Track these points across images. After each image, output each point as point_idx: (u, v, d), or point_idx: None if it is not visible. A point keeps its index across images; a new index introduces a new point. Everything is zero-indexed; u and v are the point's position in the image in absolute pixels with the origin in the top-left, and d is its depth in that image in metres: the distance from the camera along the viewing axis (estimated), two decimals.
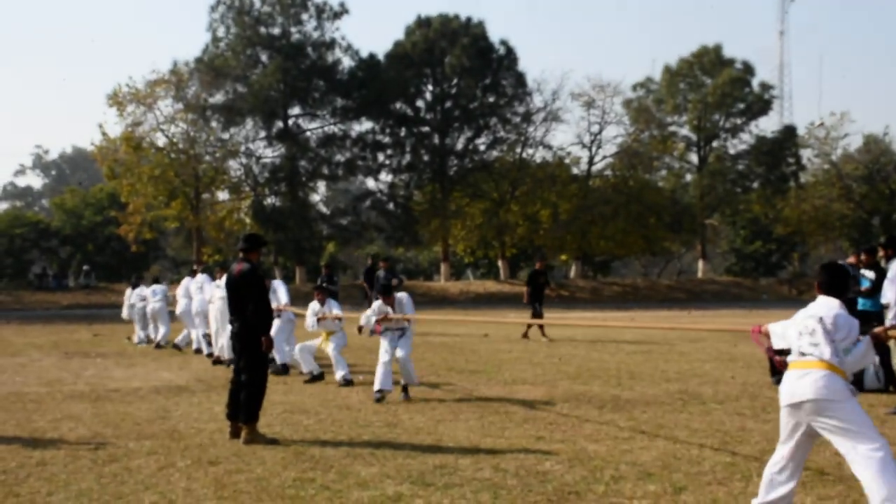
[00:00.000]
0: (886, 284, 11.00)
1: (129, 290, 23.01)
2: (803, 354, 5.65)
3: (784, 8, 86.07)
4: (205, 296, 18.13)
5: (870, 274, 13.44)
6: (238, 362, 9.38)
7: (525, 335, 20.88)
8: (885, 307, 10.98)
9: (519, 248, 57.88)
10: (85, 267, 53.93)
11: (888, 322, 10.87)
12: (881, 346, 10.45)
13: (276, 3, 50.51)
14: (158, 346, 20.15)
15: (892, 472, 5.24)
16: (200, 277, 19.13)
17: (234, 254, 44.80)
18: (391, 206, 55.54)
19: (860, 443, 5.38)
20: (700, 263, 60.08)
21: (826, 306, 5.77)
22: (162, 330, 20.48)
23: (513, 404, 11.03)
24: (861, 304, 13.56)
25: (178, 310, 19.51)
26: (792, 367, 5.71)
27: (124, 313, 23.22)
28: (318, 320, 13.69)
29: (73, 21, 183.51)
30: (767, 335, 6.14)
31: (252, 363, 9.16)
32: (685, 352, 17.31)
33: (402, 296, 11.98)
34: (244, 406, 8.96)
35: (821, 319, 5.65)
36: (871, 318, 10.11)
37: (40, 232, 56.20)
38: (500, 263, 55.94)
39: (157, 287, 21.37)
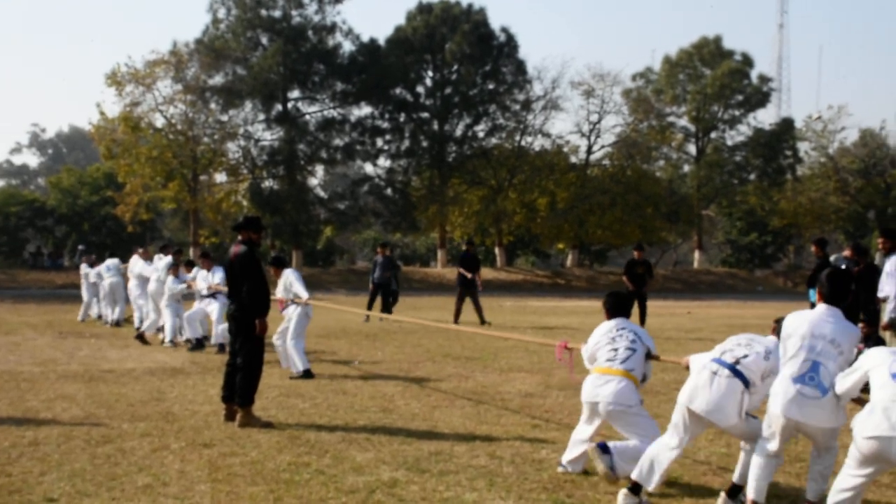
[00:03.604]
0: (884, 278, 11.01)
1: (84, 267, 22.77)
2: (610, 360, 6.97)
3: (783, 1, 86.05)
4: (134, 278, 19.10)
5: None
6: (234, 345, 9.35)
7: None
8: (884, 301, 10.99)
9: (516, 236, 57.91)
10: (80, 246, 53.60)
11: (886, 315, 10.88)
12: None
13: None
14: (117, 324, 20.21)
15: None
16: (133, 259, 19.54)
17: (230, 236, 44.73)
18: (389, 191, 55.46)
19: (640, 433, 6.80)
20: (696, 254, 60.12)
21: (644, 332, 7.33)
22: (117, 308, 20.56)
23: (509, 392, 11.02)
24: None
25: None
26: (596, 371, 7.03)
27: (84, 292, 22.74)
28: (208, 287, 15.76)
29: None
30: (571, 353, 7.82)
31: (248, 346, 9.13)
32: (681, 341, 17.31)
33: (288, 272, 12.85)
34: (239, 389, 8.94)
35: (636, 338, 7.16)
36: None
37: (36, 210, 55.95)
38: (497, 251, 55.92)
39: (110, 262, 21.19)
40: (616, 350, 7.00)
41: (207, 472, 6.92)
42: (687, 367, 6.71)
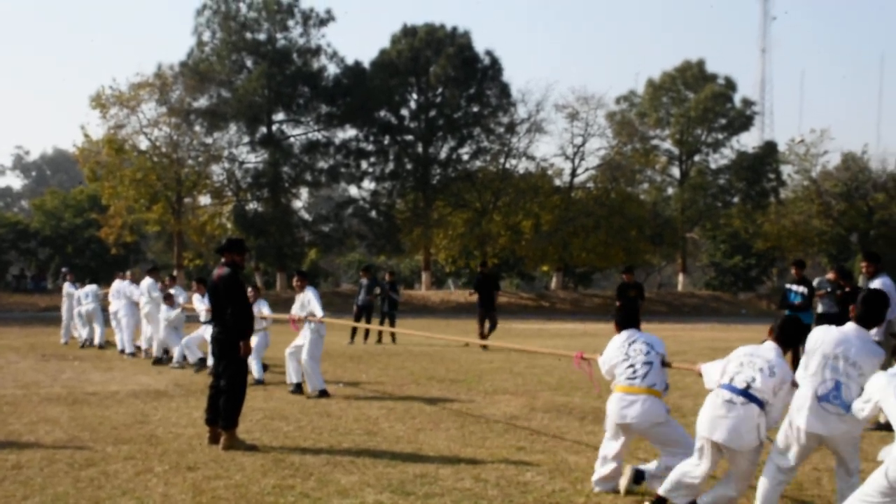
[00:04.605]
0: None
1: (68, 286, 22.78)
2: (630, 379, 7.08)
3: (765, 25, 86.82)
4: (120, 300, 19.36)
5: (800, 289, 14.38)
6: (217, 367, 9.33)
7: None
8: None
9: (500, 259, 57.92)
10: (63, 269, 53.39)
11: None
12: None
13: (262, 8, 50.38)
14: (100, 347, 20.28)
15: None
16: (116, 283, 20.04)
17: (214, 259, 44.63)
18: (373, 213, 55.43)
19: (673, 446, 7.02)
20: (680, 277, 60.27)
21: (656, 338, 7.44)
22: (98, 330, 20.64)
23: (493, 414, 11.02)
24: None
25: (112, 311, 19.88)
26: (619, 389, 7.13)
27: (64, 312, 22.74)
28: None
29: (58, 21, 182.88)
30: (589, 363, 7.90)
31: (231, 368, 9.10)
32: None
33: (309, 289, 12.95)
34: (223, 411, 8.91)
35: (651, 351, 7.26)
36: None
37: (19, 233, 55.67)
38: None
39: (88, 289, 21.35)
40: (634, 367, 7.10)
41: (191, 496, 6.90)
42: (700, 374, 6.85)
